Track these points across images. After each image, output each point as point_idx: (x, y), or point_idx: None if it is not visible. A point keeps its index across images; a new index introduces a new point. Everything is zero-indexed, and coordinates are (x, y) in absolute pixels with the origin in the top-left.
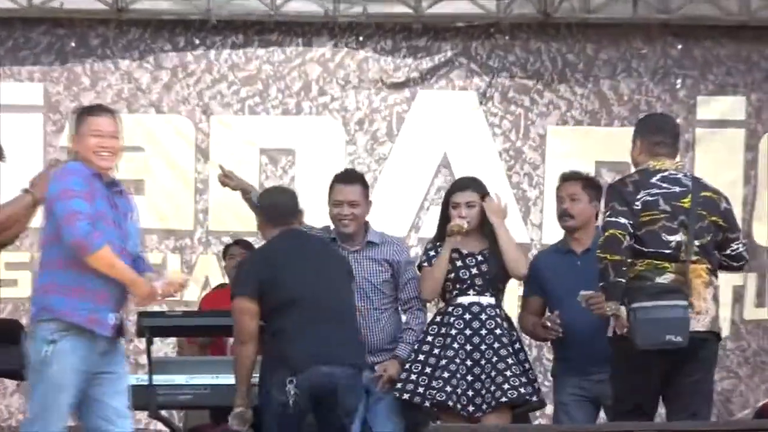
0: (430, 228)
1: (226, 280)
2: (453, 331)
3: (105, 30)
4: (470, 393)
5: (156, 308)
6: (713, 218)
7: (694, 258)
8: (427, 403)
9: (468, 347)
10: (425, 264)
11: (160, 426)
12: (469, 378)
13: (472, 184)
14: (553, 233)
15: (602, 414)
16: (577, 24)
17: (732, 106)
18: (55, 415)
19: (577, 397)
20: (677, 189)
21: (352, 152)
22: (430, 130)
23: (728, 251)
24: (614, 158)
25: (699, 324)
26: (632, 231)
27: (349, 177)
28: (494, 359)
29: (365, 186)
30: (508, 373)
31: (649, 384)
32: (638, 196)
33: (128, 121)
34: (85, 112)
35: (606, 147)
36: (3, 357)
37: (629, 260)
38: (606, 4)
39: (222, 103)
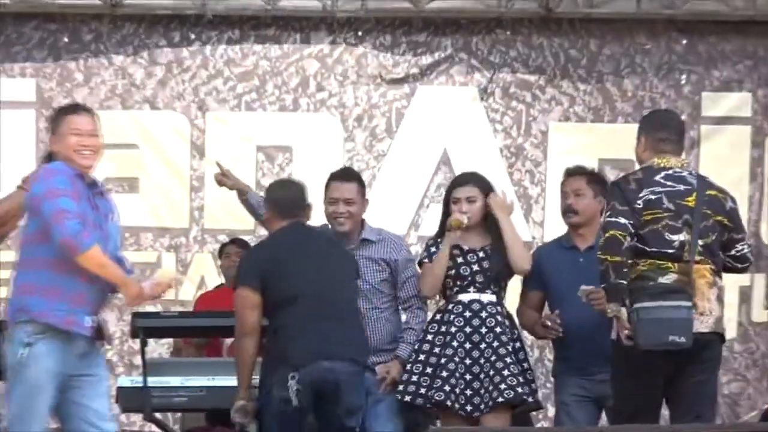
0: (429, 226)
1: (222, 279)
2: (453, 329)
3: (98, 25)
4: (468, 392)
5: (150, 308)
6: (718, 218)
7: (697, 258)
8: (427, 404)
9: (467, 345)
10: (425, 260)
11: (154, 429)
12: (468, 377)
13: (473, 179)
14: (555, 231)
15: (604, 415)
16: (580, 19)
17: (738, 102)
18: (34, 417)
19: (579, 397)
20: (682, 187)
21: (351, 149)
22: (429, 126)
23: (733, 252)
24: (618, 155)
25: (703, 325)
26: (633, 231)
27: (346, 175)
28: (493, 358)
29: (362, 184)
30: (506, 373)
31: (651, 385)
32: (641, 195)
33: (122, 117)
34: (62, 112)
35: (609, 144)
36: None
37: (631, 260)
38: None
39: (218, 99)
